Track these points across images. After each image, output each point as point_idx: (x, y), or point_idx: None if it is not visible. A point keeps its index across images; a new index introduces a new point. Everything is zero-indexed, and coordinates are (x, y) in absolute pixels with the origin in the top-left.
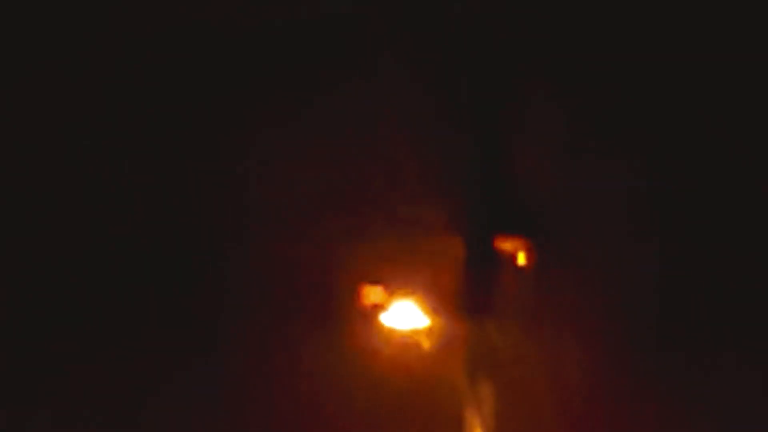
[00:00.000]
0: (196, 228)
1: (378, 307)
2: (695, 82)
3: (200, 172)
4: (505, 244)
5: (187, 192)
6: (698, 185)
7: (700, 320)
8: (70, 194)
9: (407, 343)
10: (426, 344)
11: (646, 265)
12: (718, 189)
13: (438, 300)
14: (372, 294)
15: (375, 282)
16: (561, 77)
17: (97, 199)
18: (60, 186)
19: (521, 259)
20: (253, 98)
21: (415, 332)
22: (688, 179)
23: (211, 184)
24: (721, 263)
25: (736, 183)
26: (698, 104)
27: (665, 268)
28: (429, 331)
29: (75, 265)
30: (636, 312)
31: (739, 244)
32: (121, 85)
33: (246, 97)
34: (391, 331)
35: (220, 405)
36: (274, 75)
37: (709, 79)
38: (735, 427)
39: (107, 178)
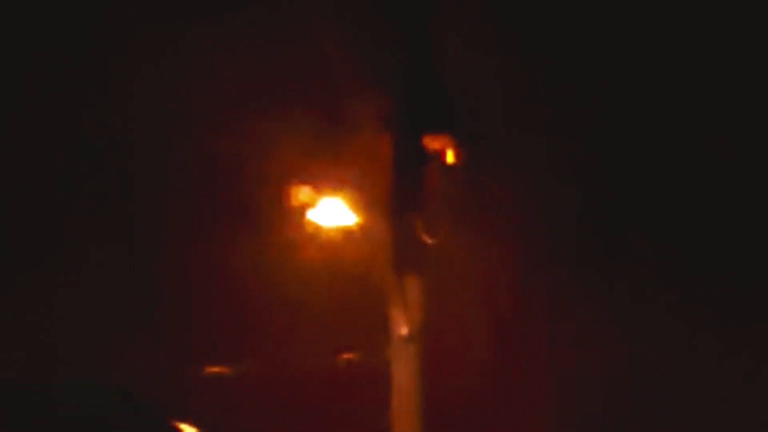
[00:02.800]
0: (129, 121)
1: (306, 206)
2: None
3: (131, 68)
4: (434, 142)
5: (115, 85)
6: (623, 92)
7: (620, 217)
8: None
9: (335, 240)
10: (353, 241)
11: (571, 164)
12: (638, 95)
13: (366, 197)
14: (300, 193)
15: (303, 181)
16: None
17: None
18: None
19: (449, 157)
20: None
21: (343, 230)
22: (612, 86)
23: (140, 79)
24: (644, 167)
25: (654, 79)
26: None
27: (590, 166)
28: (356, 229)
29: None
30: (560, 209)
31: (660, 153)
32: None
33: None
34: (319, 228)
35: (156, 299)
36: None
37: None
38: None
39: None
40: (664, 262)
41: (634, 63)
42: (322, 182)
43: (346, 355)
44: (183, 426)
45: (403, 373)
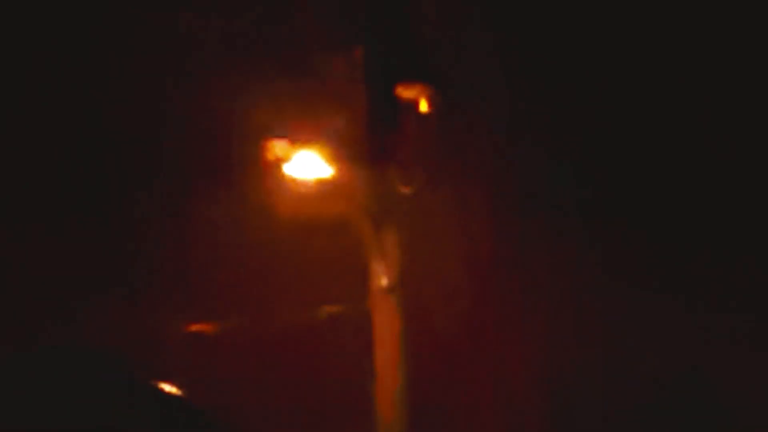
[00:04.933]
0: (109, 77)
1: (282, 160)
2: None
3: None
4: (407, 92)
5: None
6: (597, 30)
7: (596, 161)
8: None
9: (311, 193)
10: (330, 194)
11: (545, 113)
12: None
13: (341, 149)
14: (276, 148)
15: (278, 135)
16: None
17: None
18: None
19: (423, 105)
20: None
21: (319, 182)
22: (585, 25)
23: (121, 37)
24: (617, 106)
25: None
26: None
27: (563, 109)
28: (332, 181)
29: None
30: (533, 155)
31: (634, 94)
32: None
33: None
34: (295, 181)
35: (134, 255)
36: None
37: None
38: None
39: None
40: (638, 204)
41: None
42: (297, 135)
43: (327, 308)
44: (163, 385)
45: (385, 323)
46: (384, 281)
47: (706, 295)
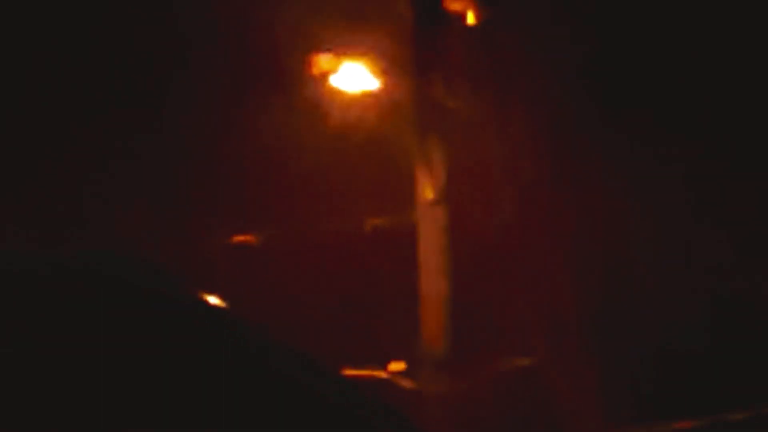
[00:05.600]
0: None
1: (328, 72)
2: None
3: None
4: (454, 4)
5: None
6: None
7: (635, 78)
8: None
9: (358, 105)
10: (376, 106)
11: (589, 29)
12: None
13: (387, 61)
14: (322, 61)
15: (324, 49)
16: None
17: None
18: None
19: (470, 18)
20: None
21: (365, 94)
22: None
23: None
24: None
25: None
26: None
27: (605, 24)
28: (378, 93)
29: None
30: (578, 72)
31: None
32: None
33: None
34: (341, 93)
35: (182, 166)
36: None
37: None
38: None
39: None
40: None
41: None
42: (343, 48)
43: (372, 220)
44: (208, 297)
45: (430, 236)
46: (430, 193)
47: None
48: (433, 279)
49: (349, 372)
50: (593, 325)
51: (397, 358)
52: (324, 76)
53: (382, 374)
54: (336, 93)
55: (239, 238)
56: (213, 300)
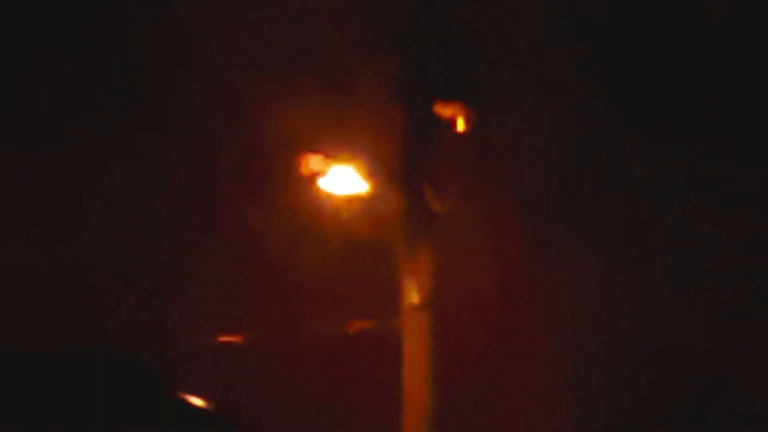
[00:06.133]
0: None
1: (317, 174)
2: None
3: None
4: (445, 110)
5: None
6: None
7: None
8: None
9: (346, 208)
10: (364, 209)
11: (580, 131)
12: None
13: (377, 165)
14: (312, 162)
15: (314, 150)
16: None
17: None
18: None
19: (460, 125)
20: None
21: (354, 197)
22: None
23: (161, 35)
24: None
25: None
26: None
27: (598, 134)
28: (367, 197)
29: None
30: (568, 177)
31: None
32: None
33: None
34: (331, 196)
35: (168, 265)
36: None
37: None
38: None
39: None
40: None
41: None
42: (333, 150)
43: (358, 323)
44: (191, 398)
45: (414, 341)
46: (415, 299)
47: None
48: (416, 383)
49: None
50: (578, 418)
51: None
52: (313, 177)
53: None
54: (324, 195)
55: (225, 337)
56: (197, 401)
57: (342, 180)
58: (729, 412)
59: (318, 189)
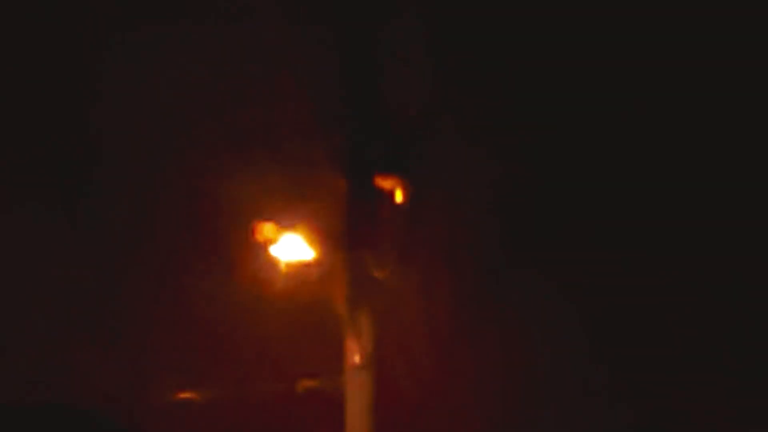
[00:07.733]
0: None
1: (270, 241)
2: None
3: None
4: (384, 183)
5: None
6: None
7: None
8: None
9: (295, 273)
10: (311, 275)
11: (510, 203)
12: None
13: (322, 233)
14: (265, 230)
15: (267, 218)
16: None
17: None
18: None
19: (398, 196)
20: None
21: (302, 264)
22: (566, 118)
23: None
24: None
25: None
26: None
27: (533, 203)
28: (314, 263)
29: None
30: (500, 245)
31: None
32: None
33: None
34: (280, 262)
35: (124, 327)
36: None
37: None
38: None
39: None
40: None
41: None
42: (283, 219)
43: (305, 382)
44: None
45: (356, 399)
46: (357, 359)
47: None
48: None
49: None
50: None
51: None
52: (266, 244)
53: None
54: (275, 261)
55: (180, 394)
56: None
57: (291, 247)
58: None
59: (269, 255)
